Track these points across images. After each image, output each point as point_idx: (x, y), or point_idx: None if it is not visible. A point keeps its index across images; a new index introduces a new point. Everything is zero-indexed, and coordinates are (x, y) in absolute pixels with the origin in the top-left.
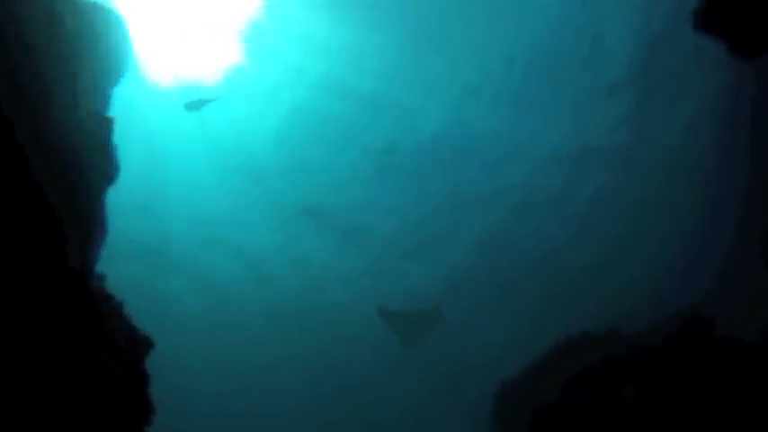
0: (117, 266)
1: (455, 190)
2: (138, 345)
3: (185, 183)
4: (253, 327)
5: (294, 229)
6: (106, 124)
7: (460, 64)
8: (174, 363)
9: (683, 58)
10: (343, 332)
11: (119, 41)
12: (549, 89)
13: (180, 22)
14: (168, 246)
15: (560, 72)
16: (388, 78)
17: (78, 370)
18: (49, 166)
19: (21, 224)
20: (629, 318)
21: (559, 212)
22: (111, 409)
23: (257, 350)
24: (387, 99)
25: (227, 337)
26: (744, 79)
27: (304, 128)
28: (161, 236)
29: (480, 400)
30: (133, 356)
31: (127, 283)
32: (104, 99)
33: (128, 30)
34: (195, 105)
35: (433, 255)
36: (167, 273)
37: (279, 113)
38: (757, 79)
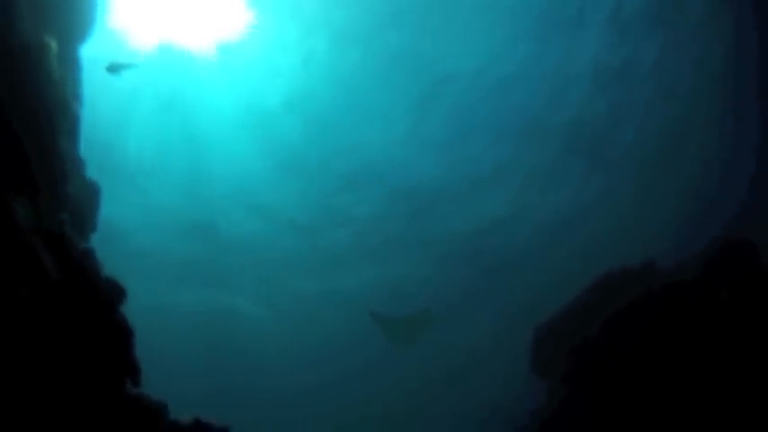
0: None
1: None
2: (108, 293)
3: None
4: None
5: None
6: (45, 51)
7: None
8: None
9: None
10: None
11: None
12: None
13: None
14: None
15: None
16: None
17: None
18: None
19: None
20: (664, 250)
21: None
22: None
23: None
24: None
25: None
26: None
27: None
28: None
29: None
30: (102, 306)
31: None
32: (72, 55)
33: None
34: (115, 68)
35: None
36: None
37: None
38: None
